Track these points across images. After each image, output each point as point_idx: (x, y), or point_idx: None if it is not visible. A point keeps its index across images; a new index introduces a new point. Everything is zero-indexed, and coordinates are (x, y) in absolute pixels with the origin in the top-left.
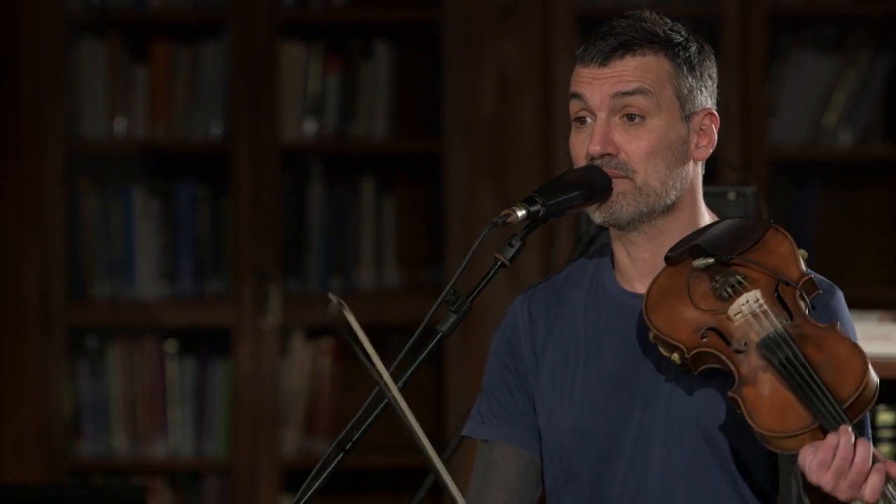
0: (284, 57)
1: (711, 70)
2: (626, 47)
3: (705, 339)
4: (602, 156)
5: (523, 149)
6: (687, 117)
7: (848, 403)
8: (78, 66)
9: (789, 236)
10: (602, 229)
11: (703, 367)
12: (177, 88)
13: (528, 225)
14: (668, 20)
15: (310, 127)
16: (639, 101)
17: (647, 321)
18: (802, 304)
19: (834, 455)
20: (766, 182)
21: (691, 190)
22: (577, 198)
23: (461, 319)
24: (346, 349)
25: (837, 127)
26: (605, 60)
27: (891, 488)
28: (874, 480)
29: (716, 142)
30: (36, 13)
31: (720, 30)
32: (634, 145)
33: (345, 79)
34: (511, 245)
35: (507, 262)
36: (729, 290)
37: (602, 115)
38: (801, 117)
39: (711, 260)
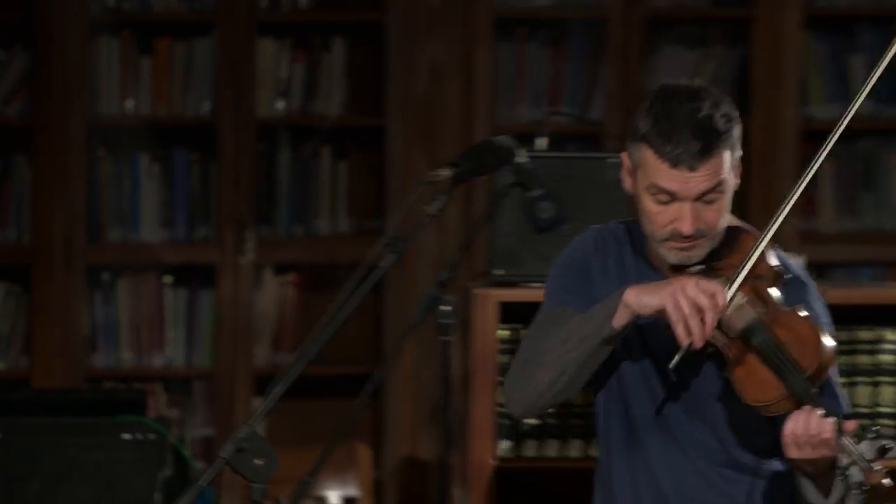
0: (260, 50)
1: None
2: (708, 153)
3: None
4: (692, 234)
5: (449, 123)
6: (735, 178)
7: (810, 372)
8: (97, 58)
9: (757, 234)
10: (512, 186)
11: (709, 350)
12: (175, 75)
13: (452, 183)
14: (715, 93)
15: (280, 106)
16: (718, 190)
17: None
18: (774, 291)
19: (800, 434)
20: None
21: None
22: (489, 162)
23: (398, 259)
24: (308, 281)
25: None
26: (694, 165)
27: (846, 440)
28: (827, 435)
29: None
30: (63, 15)
31: (606, 29)
32: (711, 218)
33: (308, 68)
34: (438, 199)
35: (434, 214)
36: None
37: (688, 205)
38: None
39: (703, 266)
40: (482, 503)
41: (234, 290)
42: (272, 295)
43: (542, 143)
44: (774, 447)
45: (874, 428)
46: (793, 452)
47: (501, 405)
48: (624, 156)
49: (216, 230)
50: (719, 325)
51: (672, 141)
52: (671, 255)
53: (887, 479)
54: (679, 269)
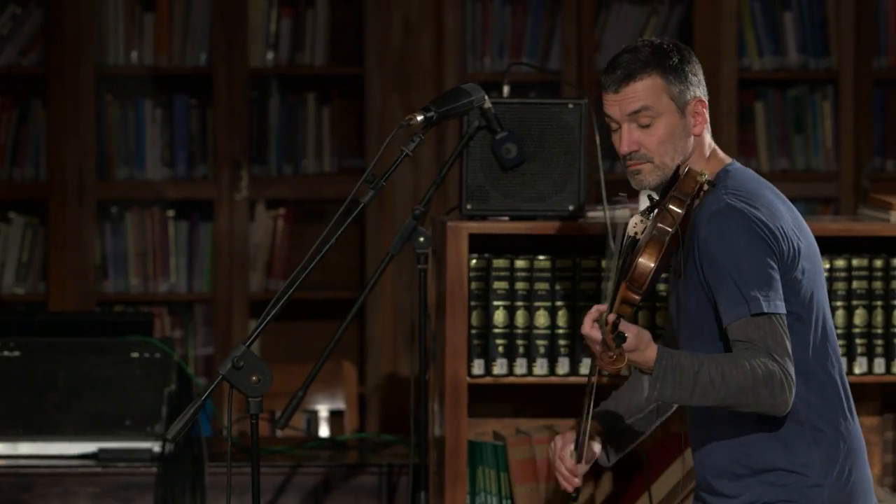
0: (251, 6)
1: (692, 67)
2: (628, 77)
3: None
4: (628, 153)
5: (422, 72)
6: (681, 109)
7: (629, 275)
8: (105, 13)
9: (691, 168)
10: (479, 128)
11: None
12: (174, 29)
13: (425, 126)
14: (654, 41)
15: (269, 57)
16: (645, 114)
17: None
18: (671, 211)
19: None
20: (595, 97)
21: (692, 154)
22: (458, 107)
23: (377, 194)
24: (297, 215)
25: None
26: (617, 89)
27: (602, 330)
28: (584, 330)
29: (708, 118)
30: None
31: None
32: (649, 142)
33: (295, 23)
34: (413, 140)
35: (409, 153)
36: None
37: (625, 126)
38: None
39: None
40: (456, 416)
41: (231, 222)
42: (264, 227)
43: (505, 90)
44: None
45: (618, 319)
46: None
47: (473, 327)
48: None
49: (213, 169)
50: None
51: (605, 72)
52: (631, 181)
53: (617, 366)
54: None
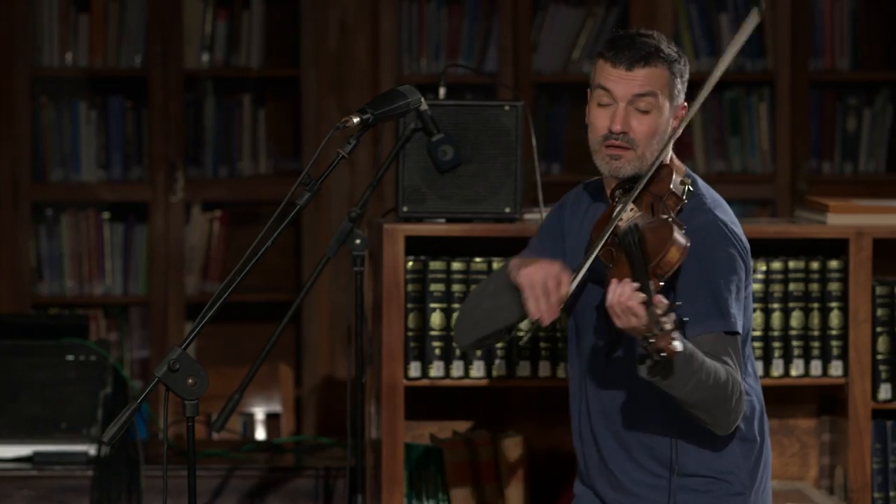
0: (186, 7)
1: (686, 75)
2: (645, 60)
3: (607, 240)
4: (620, 132)
5: (358, 74)
6: (672, 109)
7: (653, 262)
8: (39, 15)
9: (673, 167)
10: (416, 130)
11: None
12: (109, 31)
13: (361, 128)
14: (666, 39)
15: (205, 58)
16: (648, 100)
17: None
18: (669, 207)
19: (613, 302)
20: (531, 99)
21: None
22: (395, 109)
23: (313, 196)
24: (233, 217)
25: (581, 60)
26: (630, 67)
27: (652, 310)
28: (631, 302)
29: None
30: None
31: None
32: (641, 128)
33: (230, 24)
34: (349, 142)
35: (346, 155)
36: (619, 207)
37: (622, 105)
38: (556, 52)
39: (620, 191)
40: (393, 419)
41: (166, 225)
42: (200, 230)
43: (442, 92)
44: None
45: (677, 303)
46: (615, 321)
47: (410, 329)
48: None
49: (149, 171)
50: (612, 234)
51: (616, 47)
52: (604, 164)
53: (679, 345)
54: (612, 193)
